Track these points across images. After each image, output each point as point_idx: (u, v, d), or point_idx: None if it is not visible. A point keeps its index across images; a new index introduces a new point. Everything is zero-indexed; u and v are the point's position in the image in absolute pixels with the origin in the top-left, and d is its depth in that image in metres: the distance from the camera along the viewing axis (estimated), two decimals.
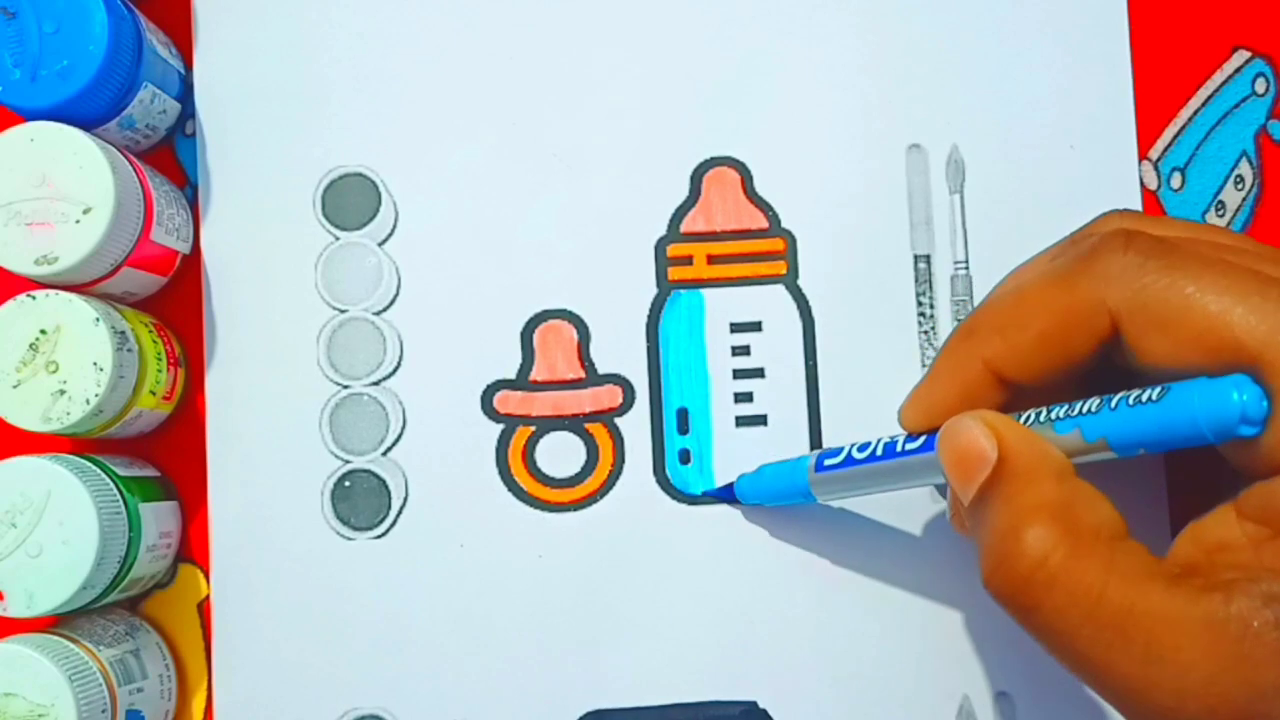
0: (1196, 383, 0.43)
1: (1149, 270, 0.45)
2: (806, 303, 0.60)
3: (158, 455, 0.60)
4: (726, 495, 0.59)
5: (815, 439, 0.60)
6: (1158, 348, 0.45)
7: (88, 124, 0.55)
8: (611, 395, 0.60)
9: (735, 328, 0.60)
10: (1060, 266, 0.48)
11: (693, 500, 0.59)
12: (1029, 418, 0.48)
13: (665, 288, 0.60)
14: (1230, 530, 0.45)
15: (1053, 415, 0.47)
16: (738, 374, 0.60)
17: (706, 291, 0.60)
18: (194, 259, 0.60)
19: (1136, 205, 0.60)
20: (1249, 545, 0.45)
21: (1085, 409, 0.46)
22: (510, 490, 0.60)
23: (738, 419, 0.60)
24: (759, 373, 0.60)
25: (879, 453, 0.53)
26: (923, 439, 0.51)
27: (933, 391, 0.51)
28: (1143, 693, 0.43)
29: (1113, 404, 0.45)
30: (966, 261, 0.60)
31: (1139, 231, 0.47)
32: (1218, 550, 0.45)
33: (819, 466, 0.55)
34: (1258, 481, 0.45)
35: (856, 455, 0.53)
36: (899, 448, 0.52)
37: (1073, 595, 0.43)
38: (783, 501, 0.59)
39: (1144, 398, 0.44)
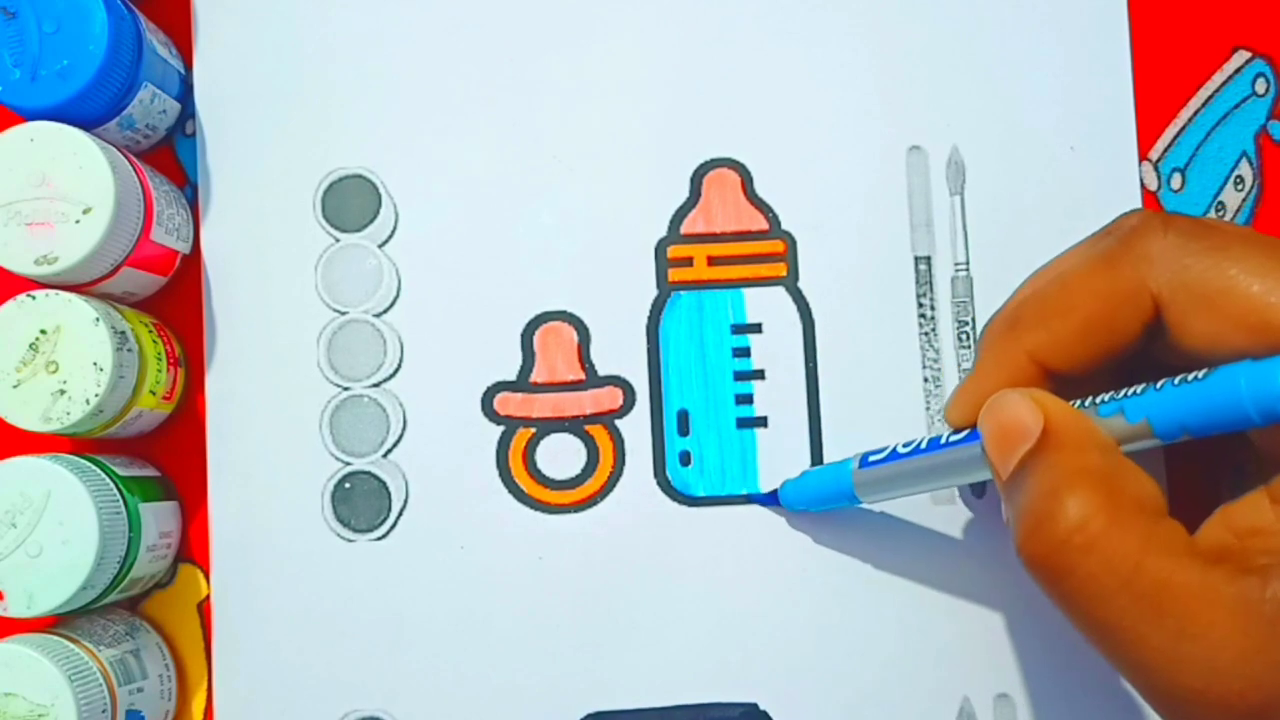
0: (1242, 364, 0.43)
1: (1191, 251, 0.46)
2: (807, 304, 0.60)
3: (158, 455, 0.60)
4: (770, 501, 0.59)
5: (816, 441, 0.60)
6: (1200, 329, 0.46)
7: (88, 124, 0.55)
8: (612, 397, 0.60)
9: (736, 329, 0.60)
10: (1100, 250, 0.48)
11: (693, 502, 0.59)
12: (1072, 404, 0.48)
13: (665, 289, 0.60)
14: (1263, 516, 0.46)
15: (1097, 401, 0.47)
16: (738, 376, 0.60)
17: (707, 293, 0.60)
18: (194, 259, 0.60)
19: (1137, 206, 0.60)
20: None
21: (1129, 393, 0.46)
22: (510, 492, 0.60)
23: (738, 421, 0.60)
24: (759, 374, 0.60)
25: (923, 447, 0.52)
26: (967, 432, 0.51)
27: (978, 387, 0.51)
28: (1171, 670, 0.43)
29: (1158, 386, 0.45)
30: (967, 263, 0.60)
31: (1177, 214, 0.47)
32: (1250, 535, 0.46)
33: (863, 464, 0.55)
34: None
35: (900, 450, 0.53)
36: (943, 441, 0.52)
37: (1110, 563, 0.43)
38: (827, 506, 0.58)
39: (1189, 378, 0.44)
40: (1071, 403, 0.48)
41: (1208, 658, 0.42)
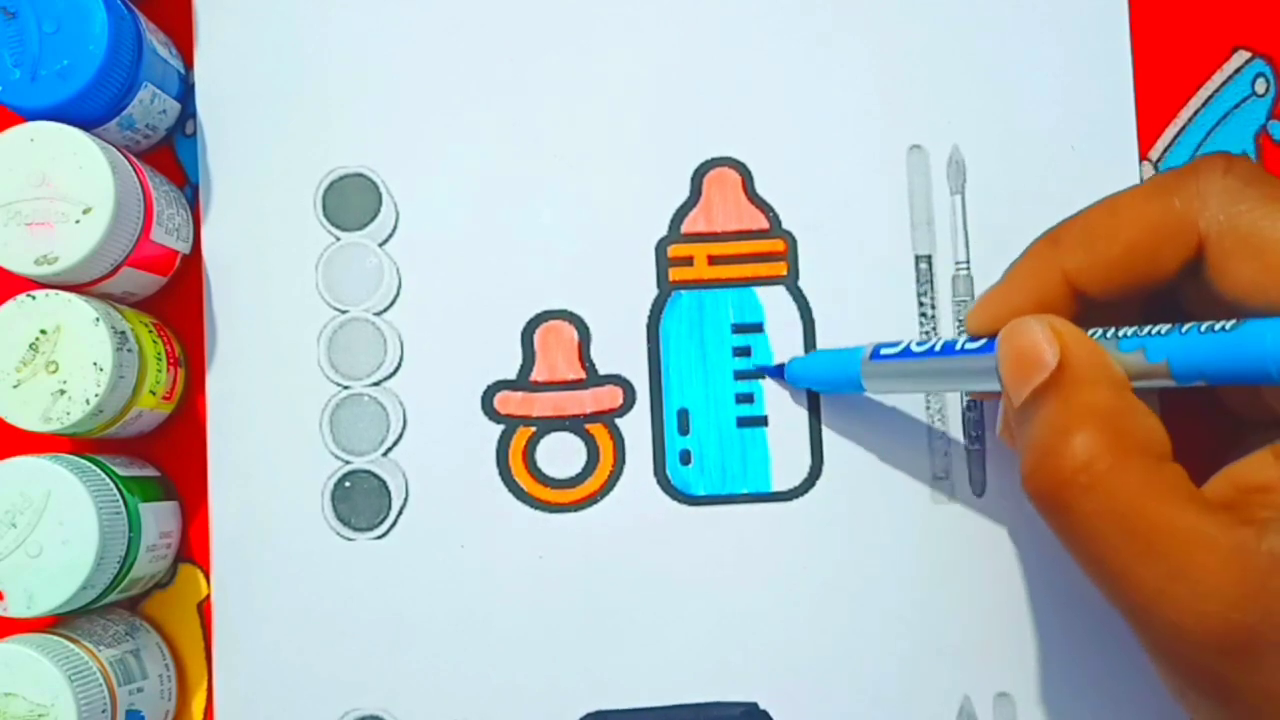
0: (1271, 320, 0.43)
1: (1246, 196, 0.46)
2: (807, 303, 0.60)
3: (158, 455, 0.60)
4: (777, 374, 0.60)
5: (816, 440, 0.59)
6: (1240, 275, 0.46)
7: (88, 124, 0.55)
8: (612, 396, 0.60)
9: (736, 329, 0.60)
10: (1157, 182, 0.48)
11: (693, 501, 0.59)
12: (1095, 333, 0.48)
13: (666, 288, 0.60)
14: (1268, 473, 0.46)
15: (1119, 334, 0.47)
16: (739, 375, 0.60)
17: (707, 292, 0.60)
18: (194, 259, 0.60)
19: None
20: None
21: (1153, 331, 0.46)
22: (511, 491, 0.60)
23: (739, 420, 0.60)
24: (760, 374, 0.60)
25: (937, 349, 0.52)
26: (984, 341, 0.50)
27: (1005, 297, 0.51)
28: (1162, 607, 0.43)
29: (1183, 329, 0.45)
30: (968, 262, 0.60)
31: (1242, 158, 0.47)
32: (1255, 491, 0.46)
33: (874, 355, 0.55)
34: None
35: (914, 349, 0.53)
36: (958, 347, 0.52)
37: (1110, 503, 0.44)
38: (831, 389, 0.59)
39: (1216, 327, 0.44)
40: (1092, 332, 0.48)
41: (1197, 599, 0.43)
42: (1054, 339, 0.47)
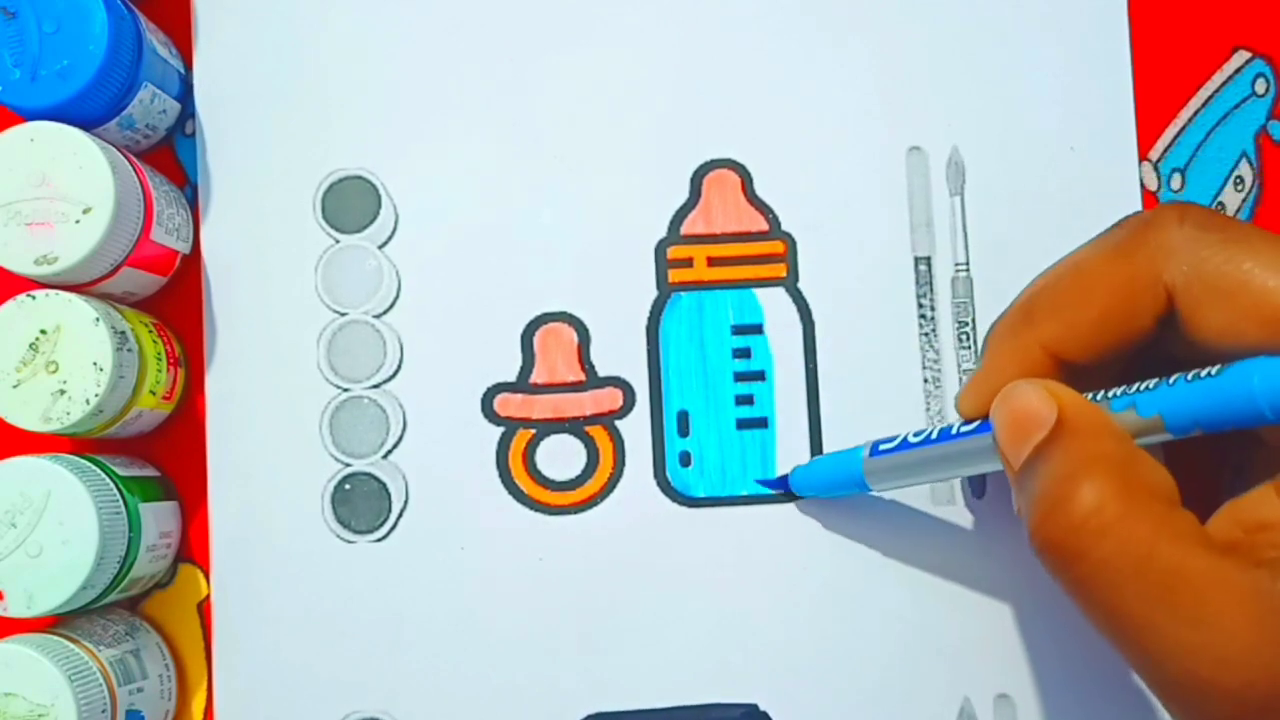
0: (1256, 360, 0.43)
1: (1206, 243, 0.46)
2: (807, 305, 0.60)
3: (158, 455, 0.60)
4: (781, 487, 0.59)
5: (816, 441, 0.59)
6: (1213, 322, 0.45)
7: (88, 124, 0.55)
8: (612, 398, 0.60)
9: (736, 330, 0.60)
10: (1116, 241, 0.48)
11: (693, 503, 0.59)
12: (1085, 397, 0.48)
13: (665, 290, 0.60)
14: (1271, 510, 0.46)
15: (1109, 395, 0.47)
16: (738, 376, 0.60)
17: (707, 294, 0.60)
18: (194, 259, 0.60)
19: (1137, 207, 0.60)
20: None
21: (1141, 387, 0.46)
22: (510, 493, 0.60)
23: (738, 421, 0.60)
24: (760, 375, 0.60)
25: (934, 437, 0.52)
26: (978, 423, 0.50)
27: (990, 379, 0.51)
28: (1181, 659, 0.42)
29: (1170, 381, 0.45)
30: (967, 263, 0.60)
31: (1192, 205, 0.47)
32: (1258, 529, 0.45)
33: (874, 452, 0.55)
34: None
35: (911, 440, 0.53)
36: (954, 431, 0.52)
37: (1124, 547, 0.43)
38: (837, 492, 0.59)
39: (1202, 374, 0.44)
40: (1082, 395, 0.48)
41: (1219, 646, 0.41)
42: (1049, 397, 0.46)
